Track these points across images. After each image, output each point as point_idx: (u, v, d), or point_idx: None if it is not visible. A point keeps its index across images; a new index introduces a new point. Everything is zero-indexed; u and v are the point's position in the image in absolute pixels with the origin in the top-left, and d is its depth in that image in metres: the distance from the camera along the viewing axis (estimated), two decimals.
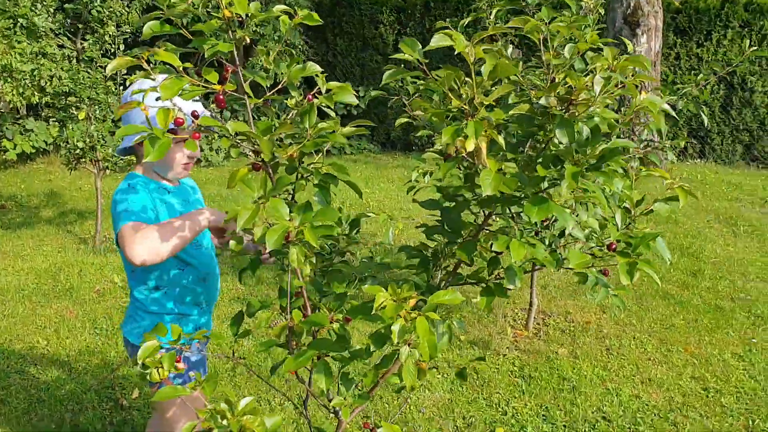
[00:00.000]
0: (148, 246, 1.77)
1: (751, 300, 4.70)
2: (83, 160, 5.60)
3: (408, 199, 7.53)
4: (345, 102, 1.46)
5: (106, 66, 5.49)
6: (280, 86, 1.47)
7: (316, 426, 1.84)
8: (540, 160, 1.34)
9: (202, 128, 1.37)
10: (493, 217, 1.65)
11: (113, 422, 3.12)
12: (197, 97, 1.93)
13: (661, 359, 3.84)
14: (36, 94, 8.94)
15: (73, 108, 5.40)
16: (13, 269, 5.21)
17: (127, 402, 3.27)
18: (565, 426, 3.14)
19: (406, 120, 3.81)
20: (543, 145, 1.32)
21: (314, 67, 1.46)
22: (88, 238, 6.07)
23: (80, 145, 5.28)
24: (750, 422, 3.18)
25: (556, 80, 1.34)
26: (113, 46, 5.47)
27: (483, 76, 1.19)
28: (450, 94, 1.19)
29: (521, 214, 1.67)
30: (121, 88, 5.67)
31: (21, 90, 8.49)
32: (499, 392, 3.42)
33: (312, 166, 1.54)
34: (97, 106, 5.44)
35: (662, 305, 4.60)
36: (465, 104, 1.21)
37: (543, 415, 3.23)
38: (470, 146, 1.21)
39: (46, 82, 5.34)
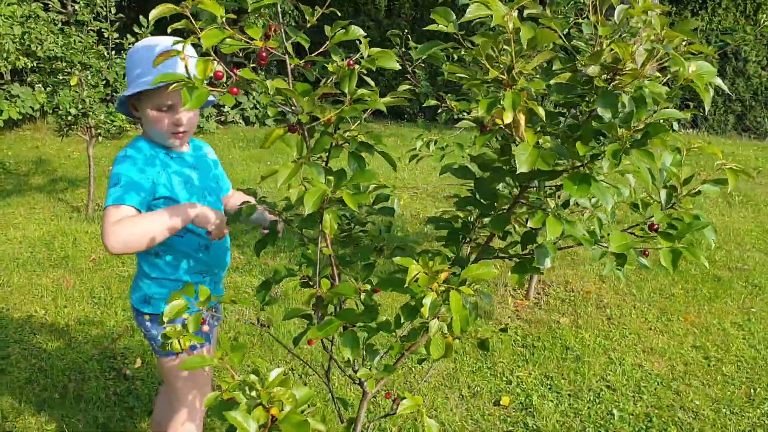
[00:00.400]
0: (122, 240, 1.74)
1: (748, 270, 4.74)
2: (75, 126, 5.49)
3: (403, 168, 7.47)
4: (387, 67, 1.42)
5: (97, 30, 5.35)
6: (323, 48, 1.43)
7: (338, 397, 1.82)
8: (580, 134, 1.30)
9: (245, 82, 1.32)
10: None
11: (117, 392, 3.09)
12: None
13: (661, 329, 3.86)
14: (21, 58, 8.72)
15: (64, 73, 5.28)
16: (6, 237, 5.13)
17: (130, 372, 3.24)
18: (570, 395, 3.16)
19: (408, 87, 3.75)
20: (585, 117, 1.28)
21: (358, 31, 1.42)
22: (81, 206, 5.98)
23: (73, 111, 5.16)
24: (752, 390, 3.22)
25: (603, 46, 1.30)
26: (105, 9, 5.33)
27: (522, 44, 1.14)
28: (487, 63, 1.15)
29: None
30: (113, 53, 5.54)
31: (5, 55, 8.28)
32: (503, 362, 3.43)
33: (347, 133, 1.50)
34: (88, 71, 5.31)
35: (661, 275, 4.62)
36: (503, 74, 1.17)
37: (548, 384, 3.25)
38: (507, 118, 1.16)
39: (36, 47, 5.19)
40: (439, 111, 3.66)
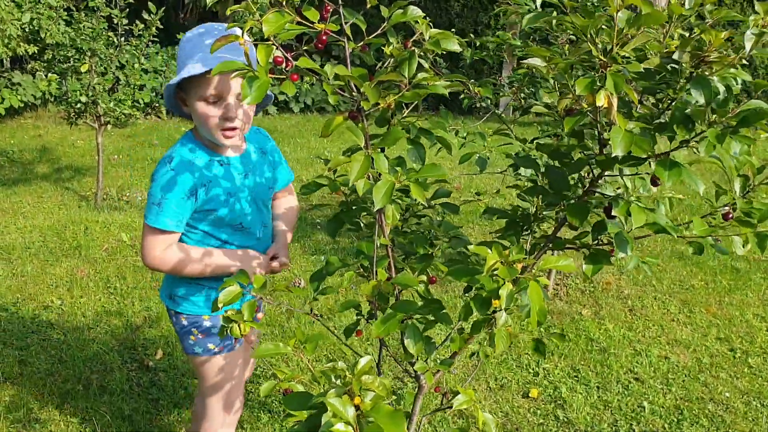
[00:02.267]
0: (168, 269, 1.87)
1: (766, 260, 4.71)
2: (84, 115, 5.41)
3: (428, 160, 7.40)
4: (449, 50, 1.36)
5: (107, 16, 5.27)
6: (381, 30, 1.37)
7: (392, 390, 1.78)
8: (661, 121, 1.26)
9: (302, 70, 1.26)
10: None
11: (140, 383, 3.04)
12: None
13: (684, 320, 3.84)
14: (22, 45, 8.58)
15: (72, 60, 5.19)
16: (16, 227, 5.06)
17: (152, 363, 3.20)
18: (598, 387, 3.13)
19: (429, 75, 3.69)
20: (668, 103, 1.24)
21: (415, 12, 1.36)
22: (89, 195, 5.91)
23: (83, 99, 5.09)
24: None
25: (674, 36, 1.26)
26: None
27: (621, 24, 1.10)
28: (590, 43, 1.10)
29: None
30: (123, 39, 5.46)
31: (6, 41, 8.15)
32: (528, 353, 3.40)
33: (405, 119, 1.45)
34: (98, 58, 5.23)
35: (679, 266, 4.60)
36: (601, 54, 1.12)
37: (575, 377, 3.22)
38: (601, 100, 1.12)
39: (45, 33, 5.10)
40: (461, 97, 3.60)
